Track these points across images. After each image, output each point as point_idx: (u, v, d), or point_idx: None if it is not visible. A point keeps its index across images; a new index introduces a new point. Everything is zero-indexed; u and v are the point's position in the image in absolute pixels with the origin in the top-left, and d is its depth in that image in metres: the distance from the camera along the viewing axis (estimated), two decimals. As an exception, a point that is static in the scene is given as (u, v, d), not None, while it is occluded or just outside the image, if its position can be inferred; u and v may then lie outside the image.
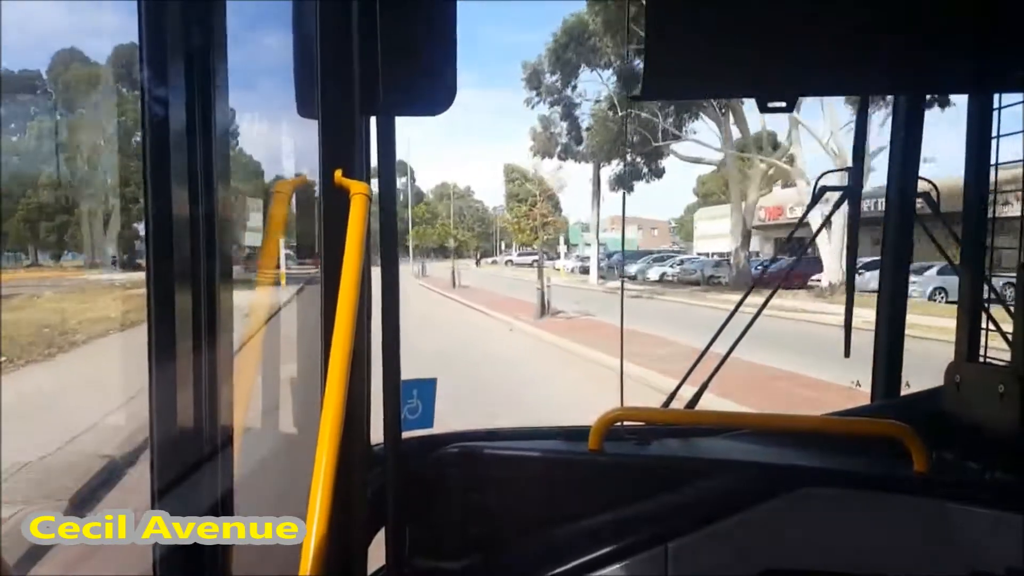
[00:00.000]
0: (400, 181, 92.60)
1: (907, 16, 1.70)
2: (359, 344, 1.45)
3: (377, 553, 1.61)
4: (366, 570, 1.63)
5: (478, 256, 71.92)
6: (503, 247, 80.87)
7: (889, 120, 2.42)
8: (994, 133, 2.12)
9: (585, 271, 43.59)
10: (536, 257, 64.46)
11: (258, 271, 1.58)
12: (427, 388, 1.87)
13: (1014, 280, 1.89)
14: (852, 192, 2.25)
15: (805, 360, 10.88)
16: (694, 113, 30.07)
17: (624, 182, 33.19)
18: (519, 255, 66.55)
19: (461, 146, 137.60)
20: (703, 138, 32.18)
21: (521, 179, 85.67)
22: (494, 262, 69.08)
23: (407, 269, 60.27)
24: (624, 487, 1.86)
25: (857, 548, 1.72)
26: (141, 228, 1.22)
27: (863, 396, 2.46)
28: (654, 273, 38.07)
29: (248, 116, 1.68)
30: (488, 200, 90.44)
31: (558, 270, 51.45)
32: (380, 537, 1.63)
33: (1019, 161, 2.13)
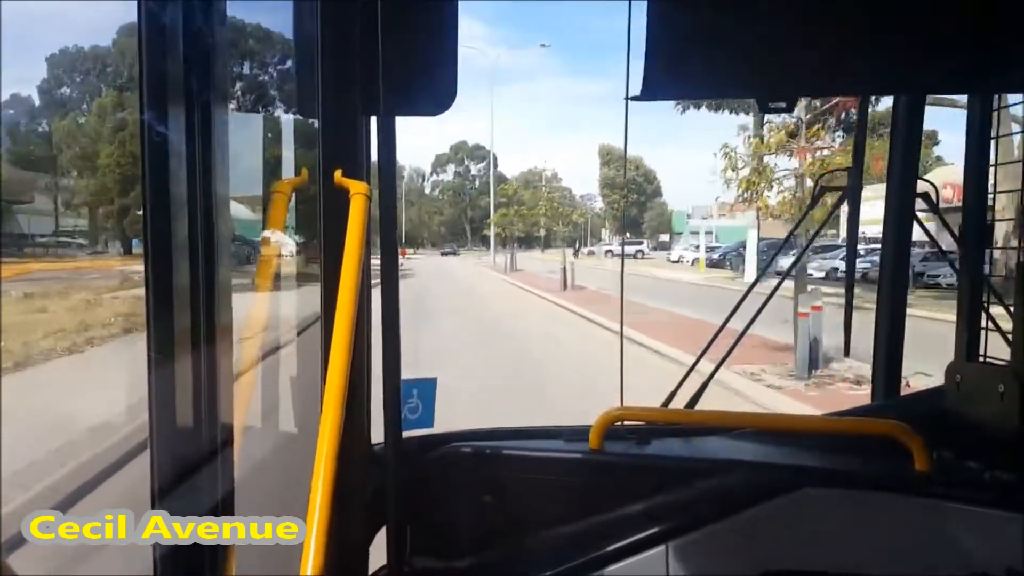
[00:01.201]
0: (478, 167, 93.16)
1: (907, 16, 1.74)
2: (359, 344, 1.58)
3: (378, 553, 1.73)
4: (367, 570, 1.76)
5: (576, 246, 70.34)
6: (605, 236, 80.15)
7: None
8: (993, 133, 2.21)
9: (713, 265, 40.13)
10: (641, 247, 62.28)
11: (258, 269, 1.72)
12: (427, 387, 1.98)
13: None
14: (852, 192, 2.35)
15: None
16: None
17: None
18: (621, 244, 65.36)
19: (545, 133, 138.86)
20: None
21: (618, 161, 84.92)
22: (591, 252, 67.40)
23: (477, 260, 56.12)
24: (624, 486, 1.96)
25: (857, 548, 1.80)
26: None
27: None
28: (817, 267, 33.80)
29: (248, 114, 1.82)
30: (576, 187, 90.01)
31: (676, 262, 48.67)
32: (381, 536, 1.74)
33: (1019, 161, 2.14)
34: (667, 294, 19.83)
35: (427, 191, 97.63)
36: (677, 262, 48.79)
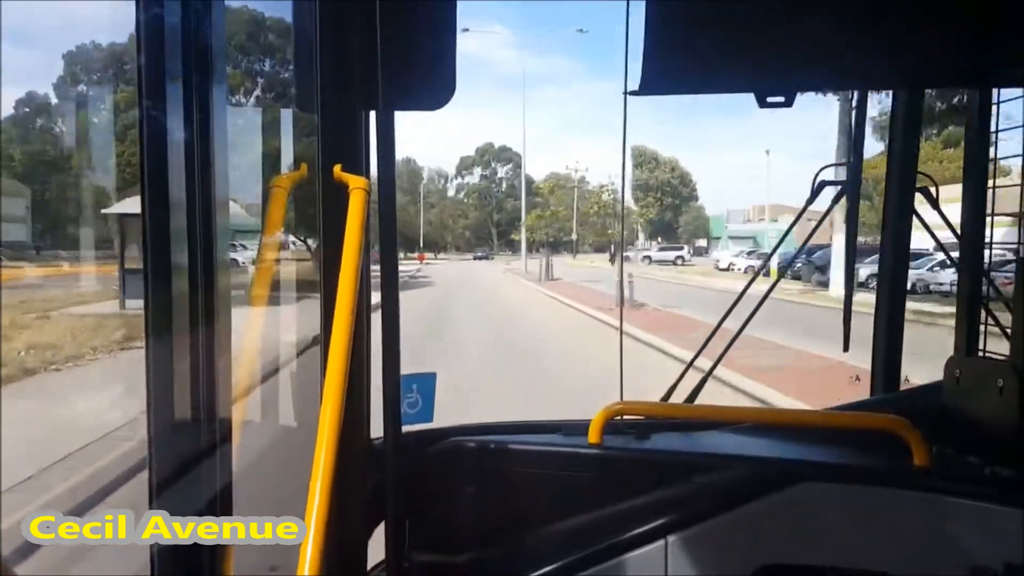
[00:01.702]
0: (505, 169, 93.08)
1: (907, 10, 1.80)
2: (359, 338, 1.64)
3: (376, 547, 1.79)
4: (366, 564, 1.82)
5: (612, 251, 68.64)
6: (641, 240, 79.40)
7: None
8: (993, 127, 2.25)
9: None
10: (681, 253, 60.50)
11: (257, 266, 1.78)
12: (427, 382, 2.03)
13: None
14: (851, 187, 2.40)
15: None
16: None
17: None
18: (659, 250, 64.51)
19: (569, 134, 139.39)
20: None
21: (652, 163, 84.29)
22: (626, 258, 65.87)
23: (506, 266, 54.52)
24: (624, 481, 2.01)
25: (856, 543, 1.84)
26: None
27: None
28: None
29: (247, 109, 1.88)
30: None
31: (725, 269, 46.82)
32: (380, 531, 1.80)
33: (1019, 155, 2.16)
34: (780, 323, 12.97)
35: (451, 193, 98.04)
36: (727, 270, 46.78)
